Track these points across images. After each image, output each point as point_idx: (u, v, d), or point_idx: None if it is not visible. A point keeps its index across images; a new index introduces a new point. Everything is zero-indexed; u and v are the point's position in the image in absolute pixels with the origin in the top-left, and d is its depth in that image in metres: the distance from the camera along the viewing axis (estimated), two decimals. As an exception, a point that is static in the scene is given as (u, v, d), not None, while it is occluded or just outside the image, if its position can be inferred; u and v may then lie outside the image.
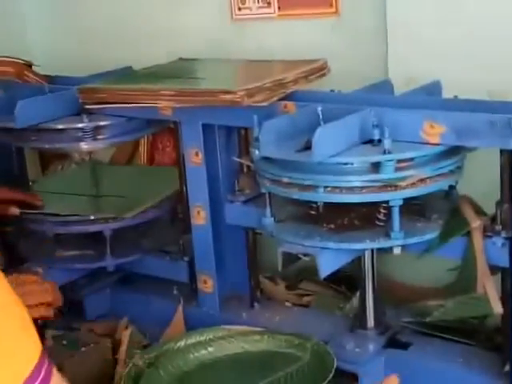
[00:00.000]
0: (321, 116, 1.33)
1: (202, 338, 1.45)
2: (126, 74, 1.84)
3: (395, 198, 1.27)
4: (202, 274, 1.65)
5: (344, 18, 1.80)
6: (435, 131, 1.27)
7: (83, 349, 1.55)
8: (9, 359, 0.80)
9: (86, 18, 2.29)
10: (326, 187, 1.28)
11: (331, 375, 1.29)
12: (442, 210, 1.39)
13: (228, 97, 1.44)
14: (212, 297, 1.65)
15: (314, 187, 1.28)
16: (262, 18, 1.92)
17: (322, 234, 1.34)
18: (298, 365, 1.36)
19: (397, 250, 1.32)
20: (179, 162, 1.66)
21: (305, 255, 1.32)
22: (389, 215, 1.31)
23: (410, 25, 1.65)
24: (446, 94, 1.48)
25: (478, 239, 1.30)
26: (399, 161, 1.25)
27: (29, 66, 1.89)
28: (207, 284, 1.65)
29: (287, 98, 1.49)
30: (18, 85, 1.83)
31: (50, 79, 1.89)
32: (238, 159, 1.60)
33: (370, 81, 1.52)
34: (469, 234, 1.31)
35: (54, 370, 0.86)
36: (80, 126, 1.65)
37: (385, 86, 1.52)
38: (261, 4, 1.91)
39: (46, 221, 1.73)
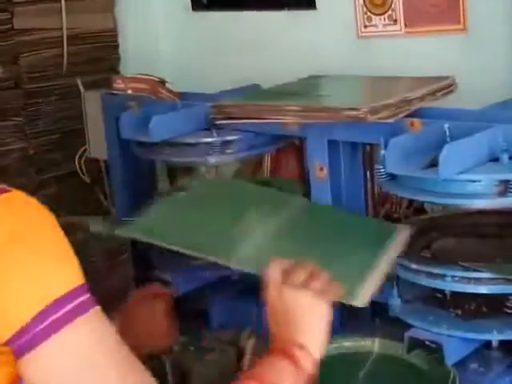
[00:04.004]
0: (448, 133, 1.33)
1: None
2: (254, 91, 1.89)
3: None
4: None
5: (472, 35, 1.78)
6: None
7: (209, 355, 1.59)
8: (42, 279, 0.88)
9: (215, 35, 2.36)
10: (453, 277, 1.32)
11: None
12: None
13: (352, 113, 1.46)
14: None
15: (441, 276, 1.33)
16: (388, 36, 1.93)
17: (450, 321, 1.36)
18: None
19: None
20: (304, 177, 1.69)
21: (432, 342, 1.33)
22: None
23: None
24: None
25: None
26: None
27: (162, 82, 1.97)
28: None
29: (412, 114, 1.49)
30: (152, 101, 1.90)
31: (181, 95, 1.97)
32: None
33: (499, 98, 1.50)
34: None
35: (97, 308, 0.91)
36: (209, 140, 1.71)
37: (514, 104, 1.50)
38: (387, 21, 1.92)
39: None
